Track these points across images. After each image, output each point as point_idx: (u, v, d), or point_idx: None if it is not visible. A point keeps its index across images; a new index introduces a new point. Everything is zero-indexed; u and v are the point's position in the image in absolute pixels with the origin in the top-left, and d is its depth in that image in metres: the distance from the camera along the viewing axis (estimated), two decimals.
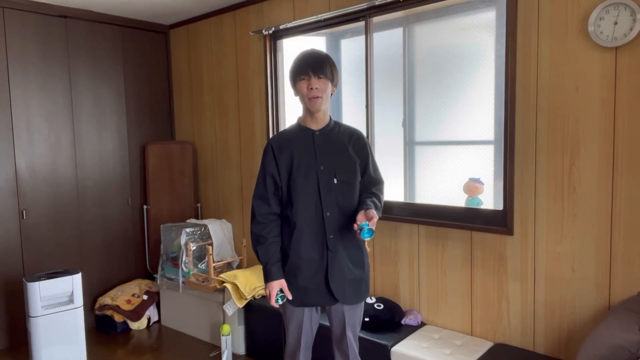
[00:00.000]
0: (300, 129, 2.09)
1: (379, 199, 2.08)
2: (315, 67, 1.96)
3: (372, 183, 2.13)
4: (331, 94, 2.06)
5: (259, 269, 3.43)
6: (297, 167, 2.02)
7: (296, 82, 2.01)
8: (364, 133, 3.08)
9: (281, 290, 2.05)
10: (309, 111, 2.04)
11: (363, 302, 2.17)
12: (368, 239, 1.86)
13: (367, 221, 1.87)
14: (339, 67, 3.46)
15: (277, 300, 2.04)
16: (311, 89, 1.97)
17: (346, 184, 2.04)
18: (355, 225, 1.88)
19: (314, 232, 2.02)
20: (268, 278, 2.05)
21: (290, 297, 2.05)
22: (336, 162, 2.04)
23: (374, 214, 1.91)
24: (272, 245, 2.05)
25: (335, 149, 2.06)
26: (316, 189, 2.01)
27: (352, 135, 2.12)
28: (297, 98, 2.07)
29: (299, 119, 2.12)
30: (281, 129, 3.65)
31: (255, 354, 3.34)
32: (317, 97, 1.97)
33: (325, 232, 2.01)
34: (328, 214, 2.01)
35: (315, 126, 2.07)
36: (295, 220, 2.02)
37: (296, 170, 2.02)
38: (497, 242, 2.61)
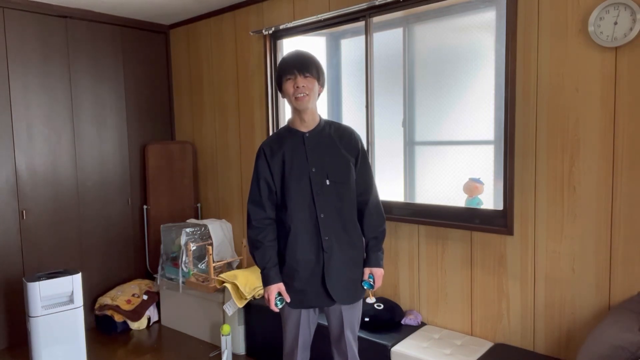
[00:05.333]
0: (290, 131, 2.08)
1: (381, 237, 2.15)
2: (301, 66, 1.96)
3: (360, 191, 2.11)
4: (319, 94, 2.05)
5: (259, 269, 3.43)
6: (289, 170, 2.02)
7: (282, 83, 2.00)
8: (364, 133, 3.10)
9: (279, 294, 2.05)
10: (298, 112, 2.03)
11: (361, 302, 2.17)
12: (367, 288, 2.13)
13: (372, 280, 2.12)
14: (338, 67, 3.51)
15: (276, 304, 2.05)
16: (297, 87, 1.96)
17: (339, 184, 2.03)
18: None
19: (309, 234, 2.02)
20: (266, 282, 2.06)
21: (288, 300, 2.06)
22: (328, 163, 2.03)
23: (379, 274, 2.13)
24: (269, 249, 2.05)
25: (327, 150, 2.04)
26: (309, 192, 2.01)
27: (344, 134, 2.10)
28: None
29: (289, 121, 2.11)
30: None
31: (255, 354, 3.34)
32: (304, 95, 1.96)
33: (320, 234, 2.01)
34: (322, 216, 2.01)
35: (305, 128, 2.06)
36: (290, 223, 2.02)
37: (288, 173, 2.02)
38: (497, 242, 2.61)
